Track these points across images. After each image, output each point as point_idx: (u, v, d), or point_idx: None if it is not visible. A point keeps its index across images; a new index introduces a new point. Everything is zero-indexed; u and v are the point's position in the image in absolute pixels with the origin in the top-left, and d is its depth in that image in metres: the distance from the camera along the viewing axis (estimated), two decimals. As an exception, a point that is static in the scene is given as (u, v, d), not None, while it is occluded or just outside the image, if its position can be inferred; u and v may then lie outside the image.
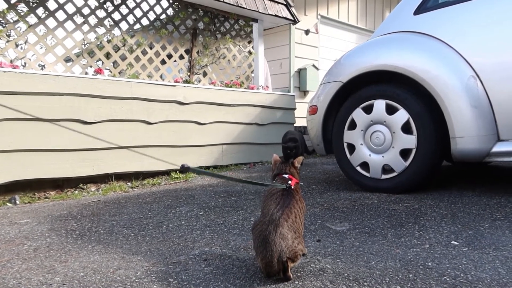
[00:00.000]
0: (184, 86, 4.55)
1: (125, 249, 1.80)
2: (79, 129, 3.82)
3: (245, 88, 5.52)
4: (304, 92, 8.05)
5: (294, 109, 5.71)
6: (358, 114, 2.89)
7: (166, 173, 4.47)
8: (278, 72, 7.75)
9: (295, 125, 5.89)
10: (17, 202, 3.42)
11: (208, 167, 4.78)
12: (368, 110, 2.84)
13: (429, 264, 1.45)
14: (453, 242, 1.70)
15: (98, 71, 4.08)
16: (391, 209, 2.32)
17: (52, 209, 2.82)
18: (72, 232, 2.16)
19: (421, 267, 1.42)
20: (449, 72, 2.47)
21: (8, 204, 3.40)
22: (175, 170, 4.48)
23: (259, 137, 5.26)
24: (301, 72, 7.69)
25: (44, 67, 4.12)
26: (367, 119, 2.83)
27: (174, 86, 4.47)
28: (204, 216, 2.40)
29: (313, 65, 7.70)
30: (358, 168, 2.90)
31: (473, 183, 2.95)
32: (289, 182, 1.52)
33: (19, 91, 3.43)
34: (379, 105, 2.77)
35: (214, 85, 5.22)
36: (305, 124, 7.38)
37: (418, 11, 2.76)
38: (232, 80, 5.38)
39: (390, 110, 2.74)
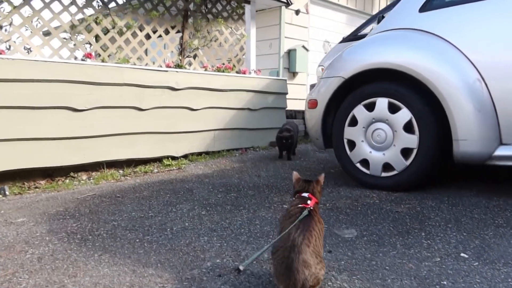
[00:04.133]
0: (177, 71, 4.43)
1: (133, 259, 1.76)
2: (69, 116, 3.70)
3: (236, 72, 5.42)
4: (294, 74, 7.98)
5: (286, 93, 5.66)
6: (359, 111, 2.87)
7: (158, 159, 4.40)
8: (267, 53, 7.63)
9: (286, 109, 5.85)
10: (7, 193, 3.33)
11: (200, 153, 4.73)
12: (370, 107, 2.82)
13: (445, 283, 1.47)
14: (462, 254, 1.73)
15: (88, 56, 3.93)
16: (394, 211, 2.34)
17: (47, 204, 2.74)
18: (74, 236, 2.10)
19: (437, 287, 1.44)
20: (455, 74, 2.46)
21: (-3, 195, 3.30)
22: (167, 157, 4.42)
23: (251, 122, 5.22)
24: (290, 53, 7.60)
25: (30, 50, 3.93)
26: (369, 116, 2.82)
27: (166, 71, 4.36)
28: (207, 216, 2.37)
29: (303, 46, 7.60)
30: (358, 165, 2.91)
31: (469, 181, 3.00)
32: (308, 202, 1.50)
33: (5, 78, 3.27)
34: (382, 103, 2.76)
35: (206, 69, 5.11)
36: (294, 108, 7.35)
37: (424, 8, 2.71)
38: (223, 64, 5.27)
39: (393, 109, 2.73)
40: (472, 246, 1.82)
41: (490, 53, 2.41)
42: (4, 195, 3.31)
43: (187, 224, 2.25)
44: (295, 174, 1.67)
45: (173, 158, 4.45)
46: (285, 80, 5.65)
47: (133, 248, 1.90)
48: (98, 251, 1.88)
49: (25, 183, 3.62)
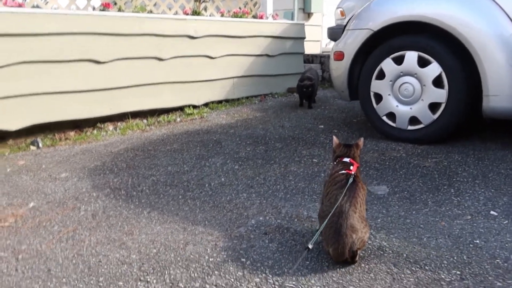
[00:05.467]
0: (195, 19, 4.36)
1: (181, 216, 1.89)
2: (93, 69, 3.72)
3: (253, 17, 5.29)
4: (308, 14, 7.74)
5: (304, 38, 5.55)
6: (387, 64, 2.86)
7: (180, 108, 4.47)
8: (282, -8, 7.34)
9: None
10: (40, 145, 3.45)
11: (220, 101, 4.78)
12: (399, 61, 2.81)
13: (477, 242, 1.58)
14: (492, 212, 1.83)
15: (106, 6, 3.85)
16: (422, 166, 2.42)
17: (84, 158, 2.86)
18: (118, 192, 2.23)
19: (471, 245, 1.56)
20: (490, 28, 2.42)
21: (31, 147, 3.43)
22: (189, 106, 4.48)
23: (269, 68, 5.19)
24: (305, -8, 7.32)
25: (47, 1, 3.84)
26: (397, 70, 2.81)
27: (185, 19, 4.28)
28: (241, 171, 2.48)
29: (320, -15, 7.30)
30: (384, 118, 2.95)
31: (493, 133, 3.04)
32: (351, 167, 1.57)
33: (28, 32, 3.27)
34: (411, 56, 2.74)
35: (223, 14, 5.00)
36: (309, 51, 7.22)
37: (461, -45, 2.59)
38: (240, 8, 5.14)
39: (422, 62, 2.71)
40: (501, 203, 1.92)
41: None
42: (38, 147, 3.44)
43: (223, 179, 2.36)
44: (335, 139, 1.73)
45: (194, 106, 4.51)
46: (303, 24, 5.52)
47: (178, 205, 2.03)
48: (146, 208, 2.01)
49: (56, 134, 3.73)
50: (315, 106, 4.41)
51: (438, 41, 2.63)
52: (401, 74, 2.80)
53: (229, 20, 4.71)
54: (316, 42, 8.27)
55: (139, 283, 1.40)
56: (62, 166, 2.73)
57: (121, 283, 1.41)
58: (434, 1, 2.64)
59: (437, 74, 2.65)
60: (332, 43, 3.63)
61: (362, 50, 3.00)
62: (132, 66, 3.98)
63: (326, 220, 1.39)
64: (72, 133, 3.82)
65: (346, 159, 1.64)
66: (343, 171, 1.57)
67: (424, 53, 2.68)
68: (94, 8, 4.05)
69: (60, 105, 3.56)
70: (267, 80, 5.21)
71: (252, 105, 4.67)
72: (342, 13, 6.12)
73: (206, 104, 4.63)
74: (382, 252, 1.53)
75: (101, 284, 1.41)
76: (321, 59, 6.05)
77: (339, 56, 3.13)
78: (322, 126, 3.50)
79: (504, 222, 1.74)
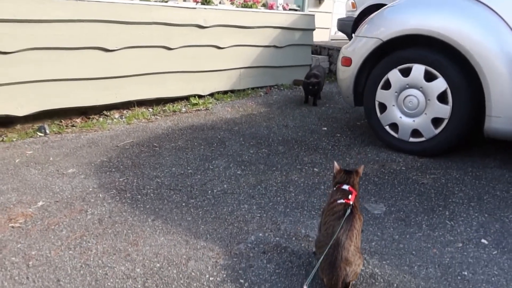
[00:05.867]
0: (205, 8, 4.34)
1: (184, 227, 1.97)
2: (101, 57, 3.75)
3: (263, 6, 5.25)
4: (319, 0, 7.66)
5: (313, 29, 5.51)
6: (394, 75, 2.88)
7: (186, 98, 4.51)
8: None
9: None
10: (47, 131, 3.52)
11: (226, 92, 4.80)
12: (406, 72, 2.82)
13: (465, 273, 1.66)
14: (483, 240, 1.90)
15: (117, -7, 3.83)
16: (419, 182, 2.48)
17: (90, 152, 2.93)
18: (124, 194, 2.31)
19: (459, 278, 1.64)
20: (499, 49, 2.43)
21: (38, 133, 3.50)
22: (194, 95, 4.51)
23: (276, 59, 5.18)
24: (318, -21, 7.22)
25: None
26: (403, 81, 2.84)
27: (195, 8, 4.26)
28: (243, 177, 2.55)
29: (333, -28, 7.18)
30: (387, 128, 2.99)
31: (493, 146, 3.08)
32: (349, 196, 1.63)
33: (38, 19, 3.29)
34: (418, 70, 2.75)
35: (233, 3, 4.96)
36: (318, 39, 7.16)
37: (477, -28, 2.57)
38: (251, -4, 5.09)
39: (429, 77, 2.73)
40: (493, 230, 1.99)
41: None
42: (45, 133, 3.51)
43: (226, 186, 2.43)
44: (336, 165, 1.78)
45: (200, 96, 4.54)
46: (313, 15, 5.46)
47: (181, 214, 2.11)
48: (150, 215, 2.09)
49: (62, 121, 3.80)
50: (320, 103, 4.44)
51: (446, 56, 2.64)
52: (407, 86, 2.82)
53: (239, 10, 4.69)
54: (326, 29, 8.20)
55: (143, 300, 1.49)
56: (69, 160, 2.79)
57: (126, 299, 1.50)
58: (443, 16, 2.63)
59: (442, 89, 2.67)
60: (340, 33, 3.60)
61: (369, 58, 3.01)
62: (140, 55, 4.00)
63: (322, 256, 1.45)
64: (78, 120, 3.88)
65: (345, 187, 1.69)
66: (342, 201, 1.63)
67: (431, 68, 2.69)
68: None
69: (68, 92, 3.61)
70: (274, 71, 5.21)
71: (258, 97, 4.70)
72: (354, 5, 6.07)
73: (211, 94, 4.66)
74: (374, 281, 1.61)
75: (107, 299, 1.50)
76: (329, 51, 6.02)
77: (347, 61, 3.14)
78: (325, 129, 3.54)
79: (494, 252, 1.81)
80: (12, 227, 1.97)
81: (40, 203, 2.20)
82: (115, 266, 1.68)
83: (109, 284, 1.58)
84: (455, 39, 2.55)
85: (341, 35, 7.72)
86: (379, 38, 2.89)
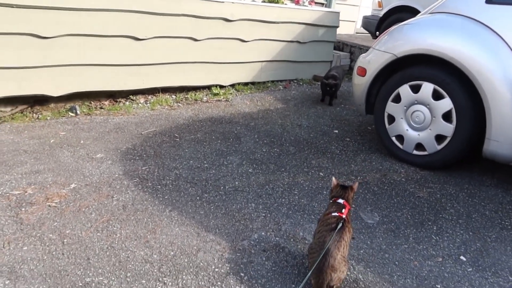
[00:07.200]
0: (232, 3, 4.51)
1: (197, 220, 2.24)
2: (131, 45, 3.99)
3: (290, 1, 5.37)
4: (346, -7, 7.67)
5: (337, 27, 5.62)
6: (404, 90, 3.04)
7: (208, 87, 4.73)
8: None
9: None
10: (78, 112, 3.82)
11: (246, 83, 5.01)
12: (415, 89, 2.98)
13: (438, 287, 1.89)
14: (461, 257, 2.11)
15: (150, -15, 4.03)
16: (416, 195, 2.69)
17: (117, 138, 3.21)
18: (146, 183, 2.59)
19: (432, 290, 1.87)
20: (501, 75, 2.57)
21: (70, 113, 3.80)
22: (216, 86, 4.74)
23: (298, 55, 5.34)
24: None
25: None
26: (413, 97, 3.00)
27: (222, 2, 4.44)
28: (254, 175, 2.79)
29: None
30: (393, 139, 3.17)
31: (493, 164, 3.22)
32: (343, 210, 1.86)
33: (76, 7, 3.53)
34: (427, 88, 2.91)
35: (261, -2, 5.10)
36: (342, 32, 7.23)
37: (491, 0, 2.69)
38: (278, -9, 5.22)
39: (436, 95, 2.89)
40: (473, 248, 2.19)
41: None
42: (76, 114, 3.81)
43: (237, 183, 2.68)
44: (334, 181, 2.00)
45: (221, 86, 4.77)
46: (338, 13, 5.56)
47: (195, 207, 2.37)
48: (168, 206, 2.37)
49: (92, 102, 4.09)
50: (336, 102, 4.61)
51: (453, 77, 2.79)
52: (416, 102, 2.99)
53: (265, 5, 4.84)
54: (351, 22, 8.24)
55: (157, 283, 1.77)
56: (98, 144, 3.08)
57: (144, 281, 1.78)
58: (451, 38, 2.76)
59: (448, 109, 2.83)
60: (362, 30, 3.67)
61: (383, 71, 3.17)
62: (167, 44, 4.23)
63: (314, 265, 1.69)
64: (106, 102, 4.16)
65: (340, 201, 1.92)
66: (336, 214, 1.85)
67: (440, 87, 2.85)
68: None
69: (100, 75, 3.89)
70: (295, 65, 5.38)
71: (276, 91, 4.90)
72: (380, 4, 6.13)
73: (232, 85, 4.88)
74: (356, 285, 1.85)
75: (129, 280, 1.78)
76: (351, 49, 6.12)
77: (362, 72, 3.31)
78: (337, 131, 3.74)
79: (468, 270, 2.03)
80: (49, 206, 2.27)
81: (73, 185, 2.50)
82: (135, 251, 1.96)
83: (130, 266, 1.86)
84: (461, 62, 2.69)
85: (366, 29, 7.76)
86: (393, 53, 3.04)
